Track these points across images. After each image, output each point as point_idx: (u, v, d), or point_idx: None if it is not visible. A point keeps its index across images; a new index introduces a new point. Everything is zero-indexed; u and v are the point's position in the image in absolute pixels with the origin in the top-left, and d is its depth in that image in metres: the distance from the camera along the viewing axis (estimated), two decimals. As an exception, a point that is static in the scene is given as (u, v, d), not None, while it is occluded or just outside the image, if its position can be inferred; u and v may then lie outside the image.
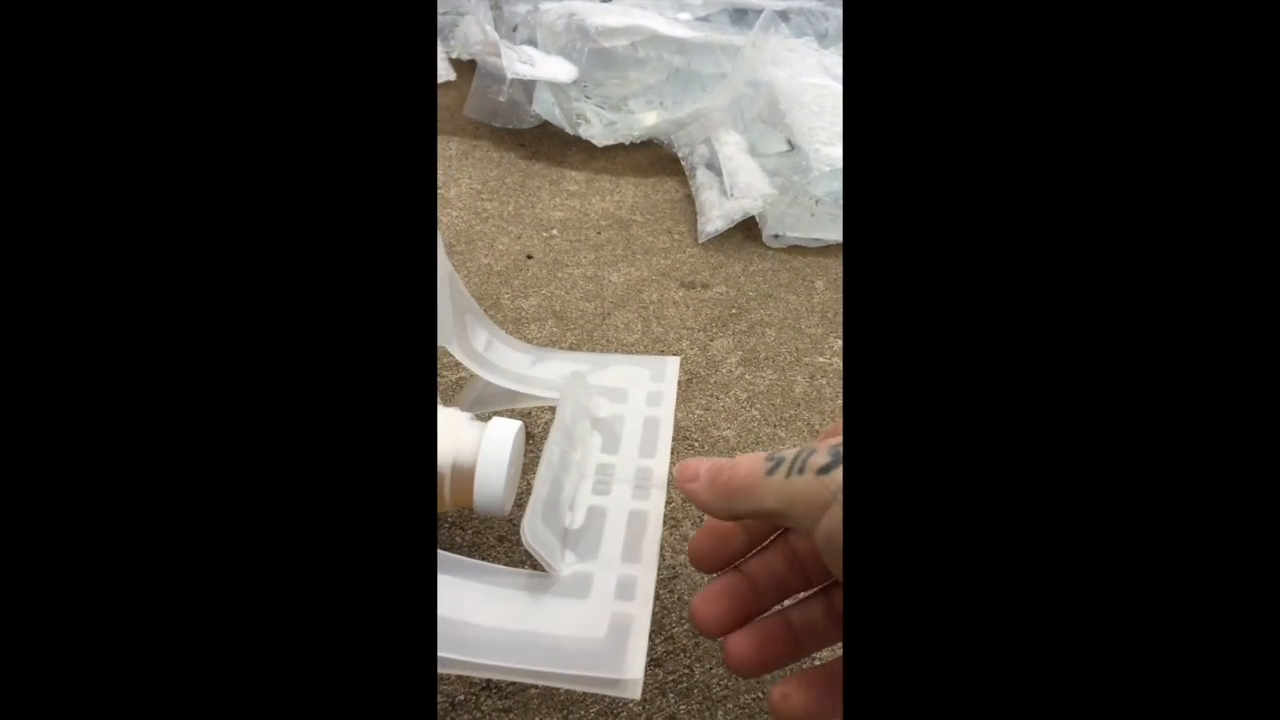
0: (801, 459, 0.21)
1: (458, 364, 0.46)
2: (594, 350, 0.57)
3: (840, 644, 0.27)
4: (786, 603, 0.27)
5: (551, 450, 0.35)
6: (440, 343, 0.39)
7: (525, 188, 0.75)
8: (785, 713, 0.23)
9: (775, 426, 0.50)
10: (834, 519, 0.19)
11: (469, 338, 0.42)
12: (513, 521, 0.42)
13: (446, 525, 0.43)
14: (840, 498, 0.18)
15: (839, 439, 0.20)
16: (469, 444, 0.36)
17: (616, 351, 0.57)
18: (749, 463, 0.23)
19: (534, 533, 0.32)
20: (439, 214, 0.70)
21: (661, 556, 0.41)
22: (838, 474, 0.19)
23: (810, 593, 0.27)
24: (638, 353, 0.57)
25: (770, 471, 0.22)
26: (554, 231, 0.70)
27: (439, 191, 0.73)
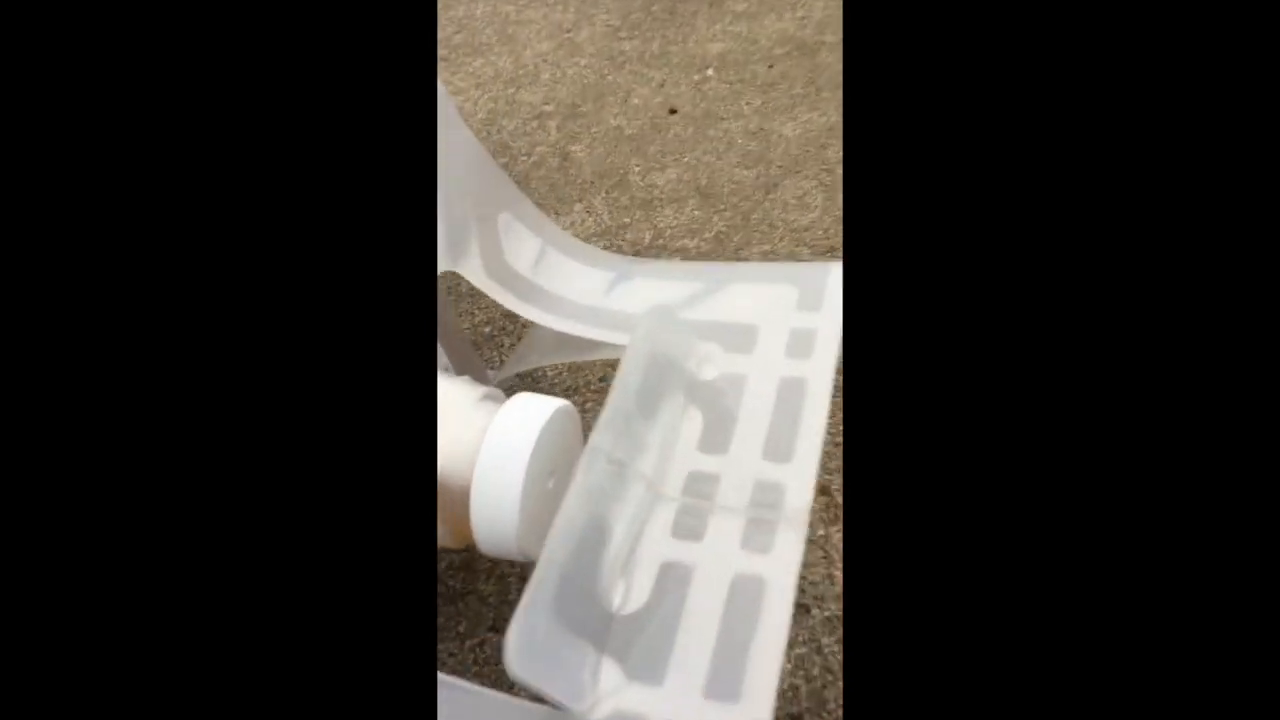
0: None
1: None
2: (746, 242, 0.39)
3: None
4: None
5: (592, 460, 0.20)
6: (443, 265, 0.25)
7: (676, 15, 0.56)
8: None
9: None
10: None
11: (502, 247, 0.26)
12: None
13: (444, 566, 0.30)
14: None
15: None
16: (468, 440, 0.21)
17: (785, 239, 0.39)
18: None
19: (529, 652, 0.17)
20: (564, 64, 0.54)
21: (797, 670, 0.25)
22: None
23: None
24: (815, 240, 0.39)
25: None
26: (709, 72, 0.51)
27: (568, 35, 0.57)
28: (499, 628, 0.29)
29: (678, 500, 0.21)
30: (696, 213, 0.42)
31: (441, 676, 0.18)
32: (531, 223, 0.27)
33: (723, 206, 0.42)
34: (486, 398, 0.22)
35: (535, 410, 0.21)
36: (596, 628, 0.19)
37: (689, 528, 0.20)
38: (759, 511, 0.20)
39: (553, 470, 0.22)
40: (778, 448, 0.21)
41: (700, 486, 0.21)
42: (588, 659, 0.18)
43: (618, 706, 0.17)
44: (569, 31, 0.57)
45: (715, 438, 0.22)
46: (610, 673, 0.18)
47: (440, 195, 0.24)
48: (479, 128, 0.50)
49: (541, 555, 0.19)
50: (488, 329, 0.38)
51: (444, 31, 0.60)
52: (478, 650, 0.28)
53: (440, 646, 0.28)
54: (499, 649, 0.28)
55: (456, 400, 0.22)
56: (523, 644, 0.18)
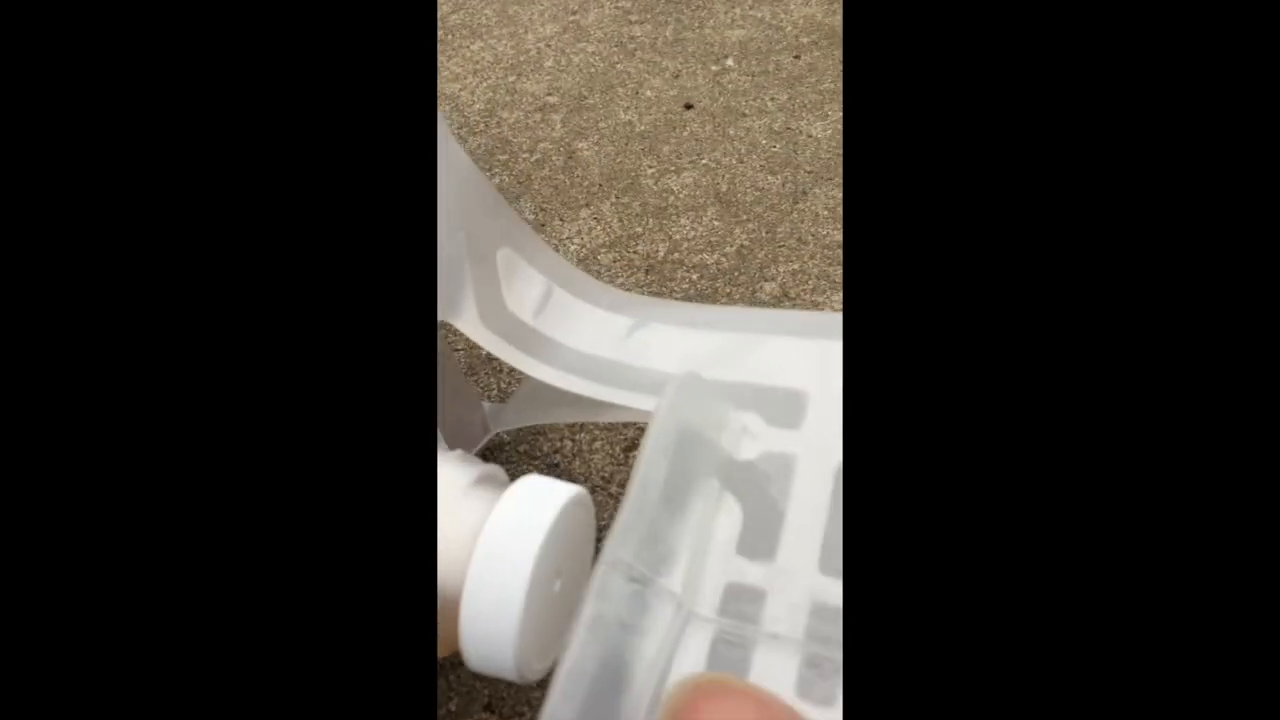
0: None
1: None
2: (772, 259, 0.35)
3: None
4: None
5: (607, 580, 0.16)
6: (441, 316, 0.21)
7: (692, -2, 0.52)
8: None
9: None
10: None
11: (501, 290, 0.22)
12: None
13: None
14: None
15: None
16: (459, 537, 0.17)
17: (816, 257, 0.35)
18: None
19: None
20: (570, 50, 0.50)
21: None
22: None
23: None
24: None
25: None
26: (728, 62, 0.47)
27: (573, 18, 0.52)
28: (495, 707, 0.25)
29: (714, 621, 0.17)
30: (716, 223, 0.37)
31: None
32: (536, 259, 0.23)
33: (745, 217, 0.37)
34: (482, 480, 0.19)
35: (542, 506, 0.17)
36: None
37: (729, 662, 0.16)
38: (817, 647, 0.16)
39: (559, 571, 0.18)
40: (838, 556, 0.17)
41: (741, 606, 0.17)
42: None
43: None
44: (575, 14, 0.53)
45: (758, 540, 0.18)
46: None
47: None
48: (477, 120, 0.45)
49: (543, 713, 0.15)
50: (482, 351, 0.34)
51: (440, 10, 0.55)
52: (470, 738, 0.24)
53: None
54: (494, 740, 0.25)
55: (447, 488, 0.18)
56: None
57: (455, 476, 0.18)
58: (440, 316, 0.21)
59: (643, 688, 0.16)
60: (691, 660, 0.17)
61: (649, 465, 0.17)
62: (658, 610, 0.17)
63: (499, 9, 0.54)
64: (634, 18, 0.51)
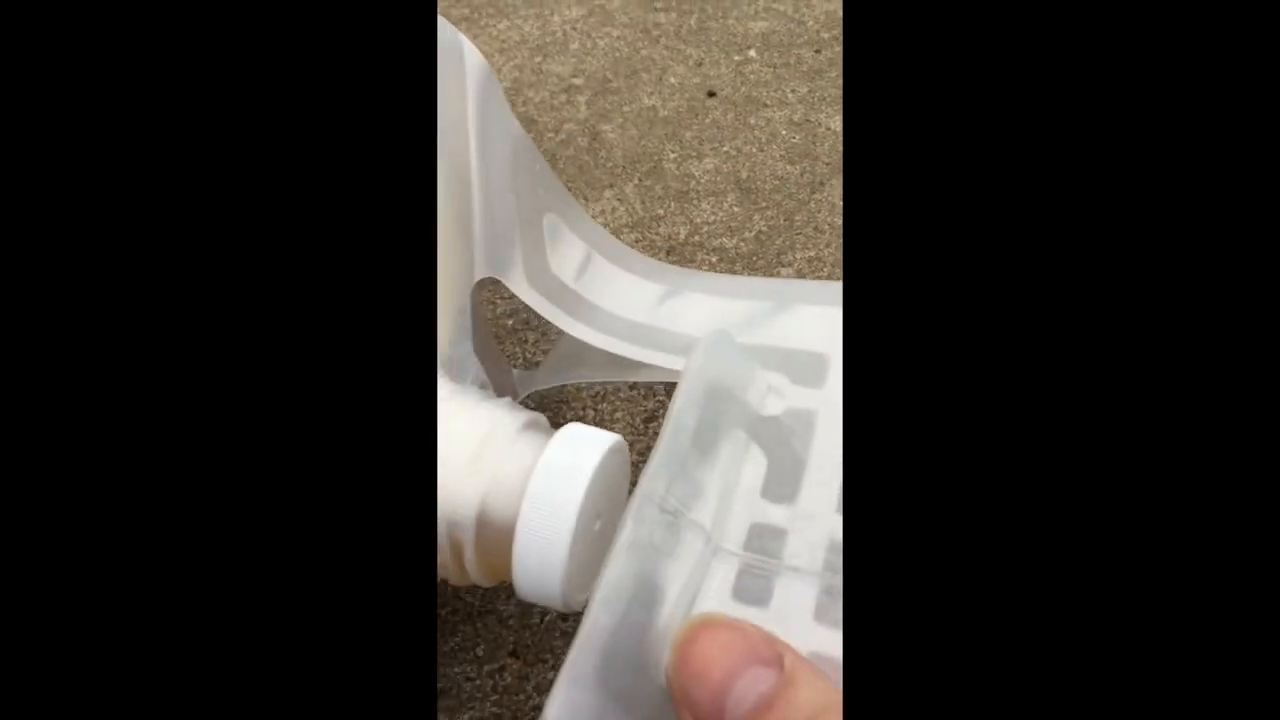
0: None
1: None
2: (790, 245, 0.37)
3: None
4: None
5: (643, 510, 0.18)
6: (482, 271, 0.22)
7: (716, -11, 0.53)
8: None
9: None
10: None
11: (546, 253, 0.24)
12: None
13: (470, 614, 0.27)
14: None
15: None
16: (511, 476, 0.19)
17: (832, 245, 0.37)
18: None
19: None
20: (595, 34, 0.51)
21: None
22: None
23: None
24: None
25: None
26: (750, 53, 0.48)
27: (599, 3, 0.53)
28: (520, 654, 0.27)
29: (739, 556, 0.19)
30: (736, 209, 0.39)
31: None
32: (578, 226, 0.25)
33: (764, 204, 0.39)
34: (529, 426, 0.20)
35: (587, 450, 0.19)
36: (648, 704, 0.17)
37: (753, 591, 0.18)
38: (833, 578, 0.18)
39: (599, 513, 0.20)
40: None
41: (765, 542, 0.19)
42: None
43: None
44: (601, -2, 0.54)
45: (781, 485, 0.20)
46: None
47: (483, 191, 0.22)
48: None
49: (584, 622, 0.17)
50: (510, 321, 0.36)
51: (467, -10, 0.56)
52: (496, 676, 0.26)
53: (456, 669, 0.26)
54: (520, 676, 0.26)
55: (499, 429, 0.20)
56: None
57: (507, 420, 0.20)
58: (490, 273, 0.22)
59: (673, 608, 0.18)
60: (719, 586, 0.18)
61: (681, 413, 0.19)
62: (688, 541, 0.18)
63: (526, -9, 0.56)
64: (658, 5, 0.53)
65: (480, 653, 0.26)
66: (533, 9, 0.54)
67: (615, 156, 0.43)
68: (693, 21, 0.51)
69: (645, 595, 0.17)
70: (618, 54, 0.49)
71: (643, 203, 0.40)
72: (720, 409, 0.20)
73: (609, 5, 0.53)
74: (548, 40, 0.51)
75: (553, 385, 0.28)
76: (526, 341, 0.35)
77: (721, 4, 0.52)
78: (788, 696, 0.15)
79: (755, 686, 0.15)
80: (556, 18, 0.53)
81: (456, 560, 0.20)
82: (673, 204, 0.40)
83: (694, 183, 0.41)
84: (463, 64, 0.22)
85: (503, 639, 0.27)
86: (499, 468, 0.19)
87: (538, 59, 0.50)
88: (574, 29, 0.52)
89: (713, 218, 0.39)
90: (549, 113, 0.46)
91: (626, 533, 0.17)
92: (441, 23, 0.22)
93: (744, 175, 0.41)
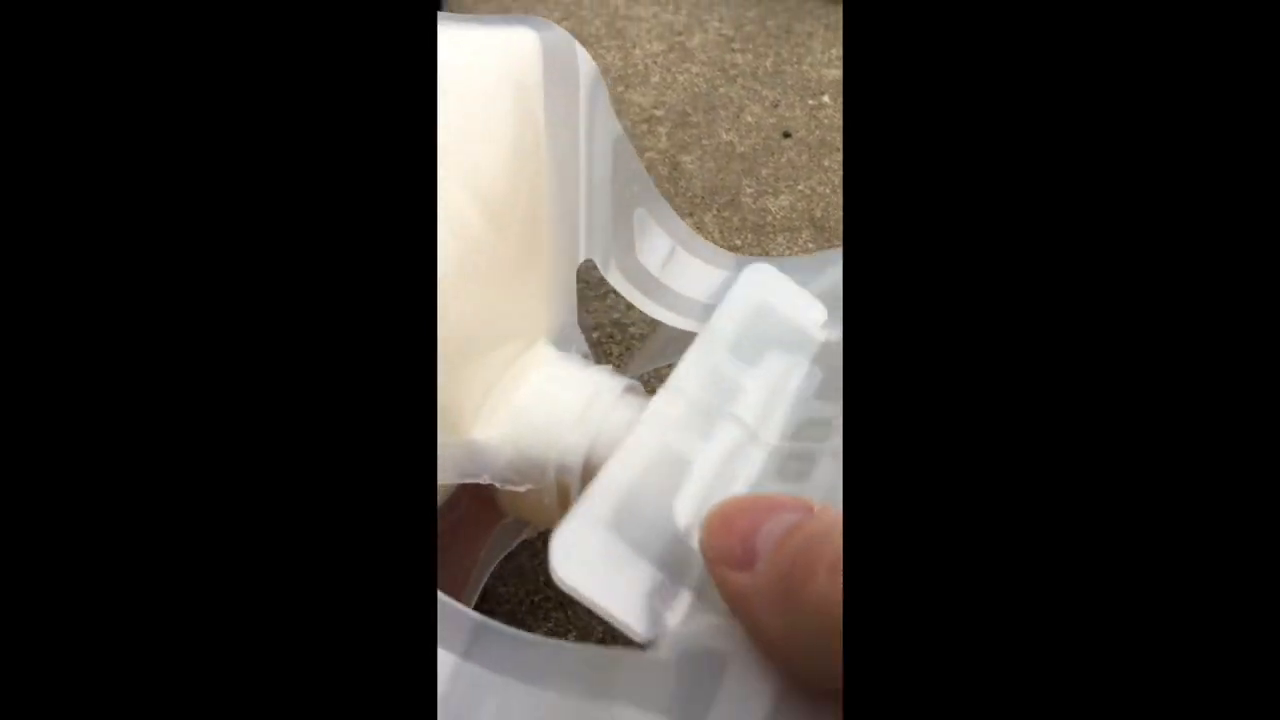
0: None
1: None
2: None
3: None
4: None
5: (669, 396, 0.19)
6: (585, 255, 0.24)
7: (791, 34, 0.56)
8: None
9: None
10: None
11: (637, 246, 0.26)
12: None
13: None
14: None
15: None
16: (617, 427, 0.21)
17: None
18: None
19: (579, 557, 0.16)
20: (675, 69, 0.54)
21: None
22: None
23: None
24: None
25: None
26: (824, 98, 0.51)
27: (679, 39, 0.56)
28: (608, 640, 0.29)
29: (784, 446, 0.19)
30: (810, 245, 0.41)
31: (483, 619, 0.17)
32: (665, 222, 0.27)
33: (837, 242, 0.41)
34: (630, 390, 0.22)
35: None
36: (665, 553, 0.17)
37: (796, 471, 0.18)
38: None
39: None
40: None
41: (811, 431, 0.19)
42: (653, 582, 0.16)
43: (694, 643, 0.15)
44: (680, 34, 0.57)
45: (834, 390, 0.20)
46: (684, 604, 0.16)
47: (588, 182, 0.24)
48: (589, 124, 0.49)
49: (599, 476, 0.17)
50: (595, 334, 0.38)
51: (551, 15, 0.59)
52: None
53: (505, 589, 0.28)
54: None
55: (603, 390, 0.22)
56: (571, 548, 0.15)
57: (610, 383, 0.22)
58: (590, 255, 0.24)
59: (708, 488, 0.18)
60: (759, 471, 0.18)
61: (717, 320, 0.20)
62: (725, 429, 0.19)
63: (607, 21, 0.58)
64: (736, 45, 0.55)
65: (572, 639, 0.28)
66: (615, 40, 0.56)
67: (695, 187, 0.45)
68: (769, 64, 0.54)
69: (669, 465, 0.18)
70: (696, 89, 0.52)
71: (721, 233, 0.42)
72: (766, 327, 0.21)
73: (689, 43, 0.56)
74: (630, 71, 0.54)
75: (645, 370, 0.30)
76: (610, 354, 0.37)
77: (796, 50, 0.55)
78: (816, 516, 0.15)
79: (783, 521, 0.15)
80: (638, 50, 0.55)
81: (563, 503, 0.22)
82: (749, 235, 0.42)
83: (770, 217, 0.43)
84: (576, 66, 0.24)
85: (591, 626, 0.29)
86: (605, 421, 0.21)
87: (620, 89, 0.52)
88: (655, 63, 0.54)
89: (788, 252, 0.41)
90: (631, 140, 0.48)
91: (651, 408, 0.18)
92: (555, 27, 0.24)
93: (818, 214, 0.43)
